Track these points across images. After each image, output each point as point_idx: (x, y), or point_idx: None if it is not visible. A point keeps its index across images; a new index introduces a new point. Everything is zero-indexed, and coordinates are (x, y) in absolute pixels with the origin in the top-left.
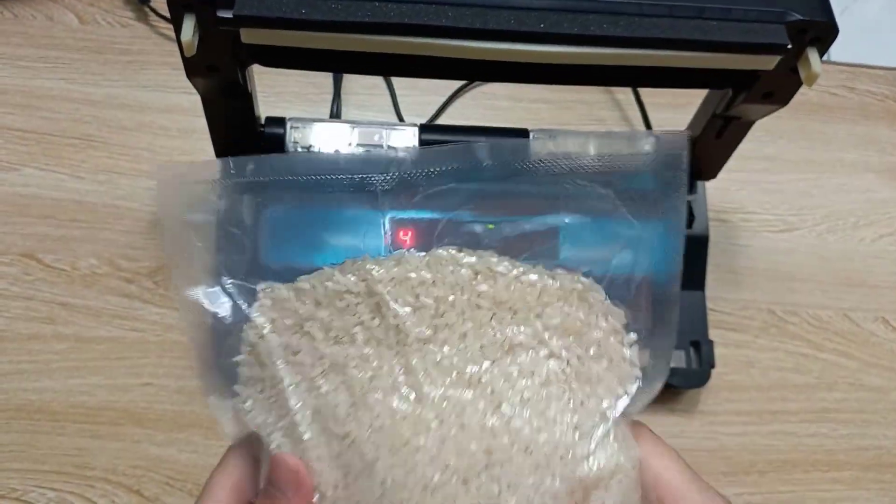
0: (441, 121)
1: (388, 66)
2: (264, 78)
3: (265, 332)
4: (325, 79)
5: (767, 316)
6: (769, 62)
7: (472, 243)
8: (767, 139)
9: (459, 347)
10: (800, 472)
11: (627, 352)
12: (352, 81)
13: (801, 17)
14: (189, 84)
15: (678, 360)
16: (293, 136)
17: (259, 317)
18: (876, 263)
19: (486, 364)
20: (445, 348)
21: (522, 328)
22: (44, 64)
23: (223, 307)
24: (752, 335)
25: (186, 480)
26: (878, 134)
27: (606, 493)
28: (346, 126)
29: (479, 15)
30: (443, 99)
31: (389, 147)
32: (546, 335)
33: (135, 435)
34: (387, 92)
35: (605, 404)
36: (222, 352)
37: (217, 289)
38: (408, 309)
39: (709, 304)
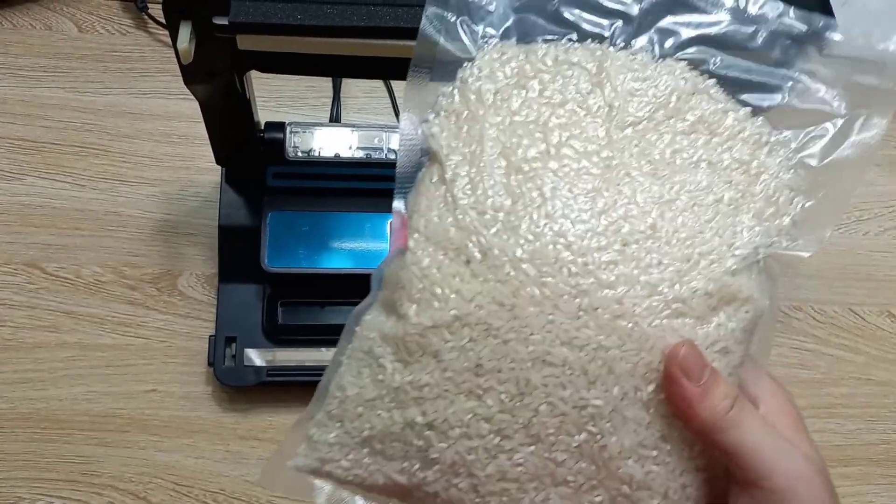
0: None
1: (386, 70)
2: (263, 83)
3: (483, 73)
4: (325, 82)
5: None
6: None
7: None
8: None
9: (656, 145)
10: None
11: (792, 210)
12: (351, 84)
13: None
14: (189, 91)
15: None
16: (293, 140)
17: (483, 61)
18: (880, 257)
19: (673, 168)
20: (642, 141)
21: (713, 152)
22: (44, 73)
23: (454, 41)
24: None
25: (193, 486)
26: None
27: (734, 315)
28: (347, 129)
29: None
30: None
31: None
32: (732, 165)
33: (141, 442)
34: (386, 94)
35: (759, 240)
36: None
37: (456, 25)
38: (628, 90)
39: None
